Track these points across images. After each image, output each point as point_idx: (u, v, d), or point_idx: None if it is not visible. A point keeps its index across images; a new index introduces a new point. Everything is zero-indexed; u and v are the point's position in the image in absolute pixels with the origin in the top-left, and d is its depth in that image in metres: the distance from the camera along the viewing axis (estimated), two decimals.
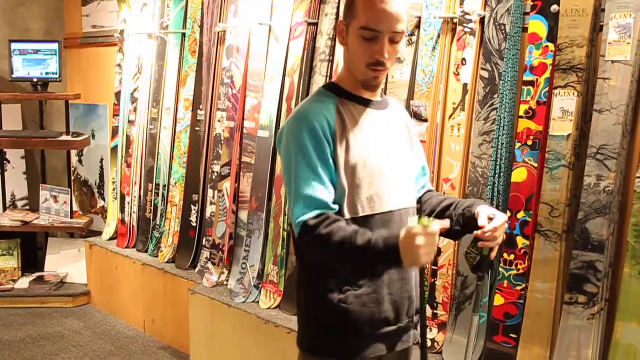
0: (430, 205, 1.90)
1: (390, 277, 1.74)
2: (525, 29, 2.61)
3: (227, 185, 3.73)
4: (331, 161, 1.68)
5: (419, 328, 1.86)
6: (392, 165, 1.77)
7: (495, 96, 2.66)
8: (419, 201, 1.92)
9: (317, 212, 1.65)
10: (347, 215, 1.69)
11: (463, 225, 1.79)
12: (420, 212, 1.61)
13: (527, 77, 2.55)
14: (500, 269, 2.61)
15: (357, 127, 1.73)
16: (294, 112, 1.77)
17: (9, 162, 5.20)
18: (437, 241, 1.56)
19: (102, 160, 5.11)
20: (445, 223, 1.61)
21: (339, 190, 1.69)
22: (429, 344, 2.81)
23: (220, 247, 3.76)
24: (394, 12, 1.65)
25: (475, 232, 1.72)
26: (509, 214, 2.57)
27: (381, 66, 1.69)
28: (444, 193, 2.79)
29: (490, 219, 1.70)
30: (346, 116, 1.73)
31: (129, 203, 4.52)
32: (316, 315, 1.79)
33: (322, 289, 1.74)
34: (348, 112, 1.74)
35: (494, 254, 1.77)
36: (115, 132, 4.69)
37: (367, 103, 1.79)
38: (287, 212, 3.31)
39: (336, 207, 1.68)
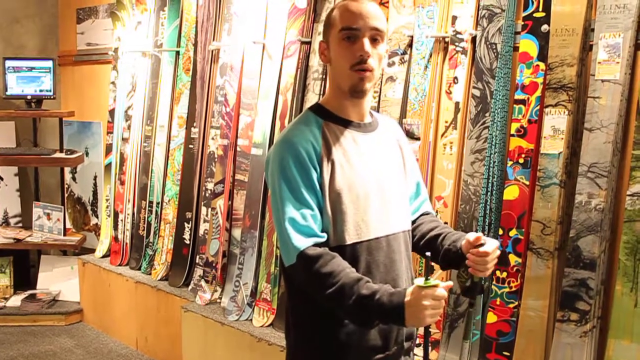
0: (420, 232, 1.87)
1: None
2: (516, 48, 2.64)
3: (220, 203, 3.73)
4: (318, 187, 1.65)
5: (411, 354, 1.83)
6: (380, 189, 1.73)
7: (487, 114, 2.68)
8: (413, 222, 1.89)
9: (312, 241, 1.62)
10: (333, 244, 1.65)
11: (448, 260, 1.76)
12: (427, 272, 1.55)
13: (518, 96, 2.57)
14: (493, 287, 2.61)
15: (343, 151, 1.70)
16: (279, 137, 1.74)
17: (2, 179, 5.19)
18: (443, 304, 1.53)
19: (95, 177, 5.11)
20: (450, 283, 1.57)
21: (325, 217, 1.66)
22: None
23: (214, 264, 3.75)
24: (369, 10, 1.68)
25: (468, 255, 1.68)
26: (501, 231, 2.59)
27: (365, 64, 1.66)
28: (437, 213, 2.80)
29: (482, 244, 1.68)
30: (331, 140, 1.70)
31: (122, 220, 4.51)
32: (302, 342, 1.76)
33: (308, 316, 1.73)
34: (333, 136, 1.71)
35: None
36: (108, 149, 4.70)
37: (353, 125, 1.75)
38: None
39: (324, 235, 1.65)
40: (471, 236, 1.69)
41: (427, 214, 1.94)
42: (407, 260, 1.79)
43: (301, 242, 1.61)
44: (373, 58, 1.67)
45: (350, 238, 1.67)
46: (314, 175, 1.65)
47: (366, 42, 1.66)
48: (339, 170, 1.67)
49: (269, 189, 1.73)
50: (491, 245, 1.68)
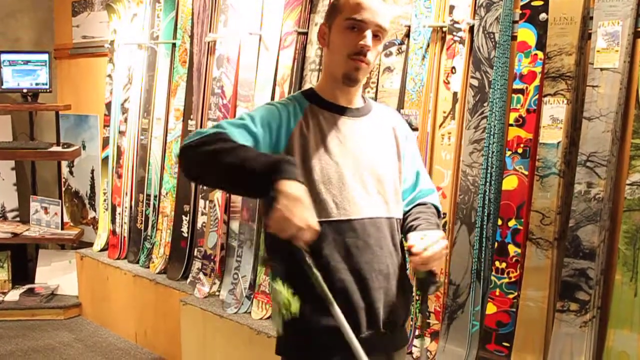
0: (405, 225, 1.87)
1: (346, 285, 1.69)
2: (514, 37, 2.62)
3: (218, 196, 3.72)
4: (269, 135, 1.70)
5: (398, 342, 1.85)
6: (359, 174, 1.75)
7: (485, 104, 2.67)
8: (406, 213, 1.88)
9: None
10: None
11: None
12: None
13: (517, 85, 2.56)
14: (492, 277, 2.60)
15: (321, 135, 1.74)
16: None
17: None
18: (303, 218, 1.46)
19: (92, 171, 5.09)
20: None
21: None
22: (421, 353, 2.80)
23: (212, 257, 3.74)
24: (379, 6, 1.74)
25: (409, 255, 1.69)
26: (500, 222, 2.58)
27: (364, 56, 1.71)
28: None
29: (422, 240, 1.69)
30: (312, 123, 1.75)
31: (119, 214, 4.50)
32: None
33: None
34: (315, 120, 1.76)
35: (438, 272, 1.74)
36: (105, 142, 4.68)
37: (340, 110, 1.80)
38: None
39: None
40: (412, 235, 1.72)
41: (422, 204, 1.91)
42: (393, 248, 1.79)
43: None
44: (371, 52, 1.73)
45: (320, 216, 1.63)
46: (278, 129, 1.71)
47: (369, 35, 1.71)
48: (312, 152, 1.71)
49: None
50: (421, 244, 1.67)
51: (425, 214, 1.85)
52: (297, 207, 1.45)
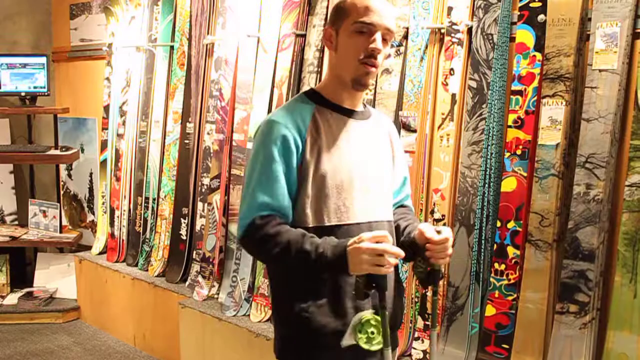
0: None
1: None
2: (512, 39, 2.61)
3: (216, 198, 3.71)
4: (295, 170, 1.69)
5: (397, 350, 1.86)
6: (365, 177, 1.76)
7: (484, 106, 2.66)
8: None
9: (267, 212, 1.66)
10: (312, 224, 1.69)
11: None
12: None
13: (515, 87, 2.55)
14: (491, 279, 2.60)
15: (331, 136, 1.74)
16: (270, 114, 1.80)
17: None
18: (385, 257, 1.54)
19: (91, 174, 5.09)
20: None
21: (304, 196, 1.69)
22: (421, 355, 2.80)
23: (211, 260, 3.73)
24: (387, 9, 1.73)
25: (427, 246, 1.70)
26: (499, 223, 2.57)
27: (374, 59, 1.70)
28: (434, 205, 2.78)
29: (438, 233, 1.70)
30: (322, 124, 1.74)
31: (118, 217, 4.49)
32: (282, 323, 1.80)
33: (286, 296, 1.76)
34: (324, 120, 1.75)
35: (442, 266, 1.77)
36: (104, 145, 4.67)
37: (346, 112, 1.79)
38: None
39: (289, 214, 1.69)
40: (425, 227, 1.72)
41: (405, 206, 1.96)
42: None
43: (255, 215, 1.67)
44: (380, 55, 1.72)
45: (329, 220, 1.70)
46: (294, 159, 1.69)
47: (379, 37, 1.70)
48: (325, 154, 1.71)
49: (248, 162, 1.79)
50: (448, 232, 1.71)
51: (412, 216, 1.91)
52: (366, 253, 1.54)
